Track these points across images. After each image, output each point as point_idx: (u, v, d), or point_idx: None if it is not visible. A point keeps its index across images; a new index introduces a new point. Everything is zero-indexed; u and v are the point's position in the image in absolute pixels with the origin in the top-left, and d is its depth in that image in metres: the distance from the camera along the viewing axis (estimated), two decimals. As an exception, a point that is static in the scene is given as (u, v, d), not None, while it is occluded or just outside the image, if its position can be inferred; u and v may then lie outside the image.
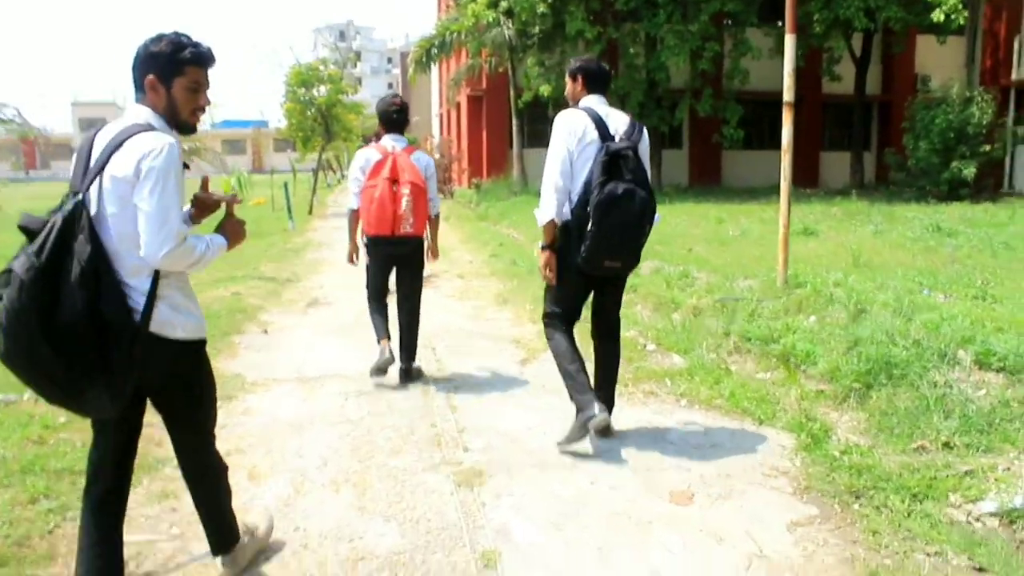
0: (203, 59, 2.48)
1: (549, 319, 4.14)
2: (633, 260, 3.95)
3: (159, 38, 2.44)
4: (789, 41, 6.68)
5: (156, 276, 2.40)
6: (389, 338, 5.26)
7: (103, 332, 2.27)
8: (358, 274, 5.55)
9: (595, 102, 3.93)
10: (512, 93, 22.06)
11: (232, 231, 2.65)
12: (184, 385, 2.62)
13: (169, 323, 2.45)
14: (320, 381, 5.37)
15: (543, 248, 3.96)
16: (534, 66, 20.67)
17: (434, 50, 22.02)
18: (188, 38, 2.47)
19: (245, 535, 2.92)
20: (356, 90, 29.16)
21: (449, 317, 7.43)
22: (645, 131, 3.94)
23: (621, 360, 4.37)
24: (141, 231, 2.31)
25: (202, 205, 2.73)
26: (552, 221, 3.87)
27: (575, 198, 3.81)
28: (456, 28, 21.28)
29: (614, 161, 3.72)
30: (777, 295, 6.74)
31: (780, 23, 21.54)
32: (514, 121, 22.58)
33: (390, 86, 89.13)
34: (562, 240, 3.90)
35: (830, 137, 27.75)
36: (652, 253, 9.42)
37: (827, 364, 4.94)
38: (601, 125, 3.82)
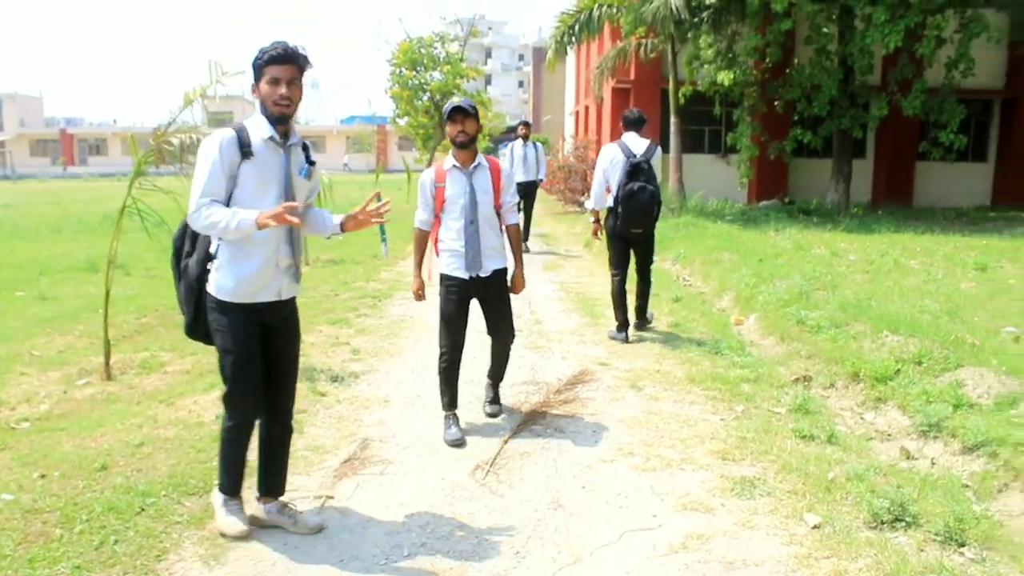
0: (275, 58, 3.02)
1: (614, 272, 6.82)
2: (650, 228, 6.71)
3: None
4: None
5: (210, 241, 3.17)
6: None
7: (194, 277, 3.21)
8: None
9: (627, 137, 6.68)
10: (672, 84, 17.44)
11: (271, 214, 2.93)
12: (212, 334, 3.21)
13: (210, 279, 3.14)
14: None
15: (593, 221, 6.99)
16: (708, 47, 16.07)
17: (577, 27, 17.67)
18: (270, 46, 3.03)
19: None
20: (481, 77, 25.20)
21: None
22: (659, 148, 6.71)
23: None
24: None
25: (351, 221, 3.32)
26: (594, 210, 6.87)
27: (615, 194, 6.56)
28: (606, 0, 16.91)
29: (634, 170, 6.47)
30: None
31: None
32: (672, 120, 17.90)
33: (520, 84, 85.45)
34: (610, 219, 6.69)
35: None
36: (963, 351, 5.19)
37: None
38: (627, 150, 6.57)
